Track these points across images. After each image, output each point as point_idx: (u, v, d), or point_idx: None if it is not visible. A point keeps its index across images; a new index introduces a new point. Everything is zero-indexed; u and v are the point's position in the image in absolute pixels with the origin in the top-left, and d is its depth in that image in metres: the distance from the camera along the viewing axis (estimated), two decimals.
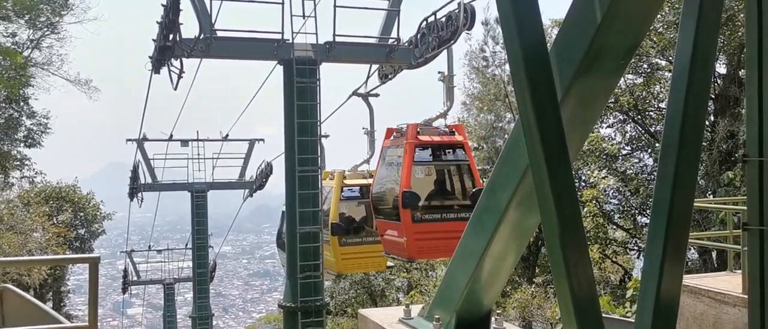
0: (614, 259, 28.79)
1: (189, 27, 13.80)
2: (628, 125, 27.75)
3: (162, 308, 44.98)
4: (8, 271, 24.80)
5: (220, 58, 15.41)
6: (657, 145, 24.30)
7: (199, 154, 32.18)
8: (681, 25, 5.57)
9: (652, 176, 24.81)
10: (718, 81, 23.76)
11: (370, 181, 14.97)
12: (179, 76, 14.46)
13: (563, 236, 5.09)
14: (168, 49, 13.95)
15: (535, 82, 5.08)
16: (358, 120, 17.22)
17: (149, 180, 32.39)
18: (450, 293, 7.84)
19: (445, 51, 14.17)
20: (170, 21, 13.34)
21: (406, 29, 15.44)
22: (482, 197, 7.39)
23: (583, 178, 26.61)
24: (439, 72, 14.18)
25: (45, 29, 31.38)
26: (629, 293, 16.36)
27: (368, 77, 17.17)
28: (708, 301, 10.23)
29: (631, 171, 26.58)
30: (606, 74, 5.88)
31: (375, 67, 17.30)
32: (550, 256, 5.39)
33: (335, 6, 14.34)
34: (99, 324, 4.75)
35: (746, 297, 7.56)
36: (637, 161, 27.42)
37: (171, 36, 13.62)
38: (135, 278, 44.02)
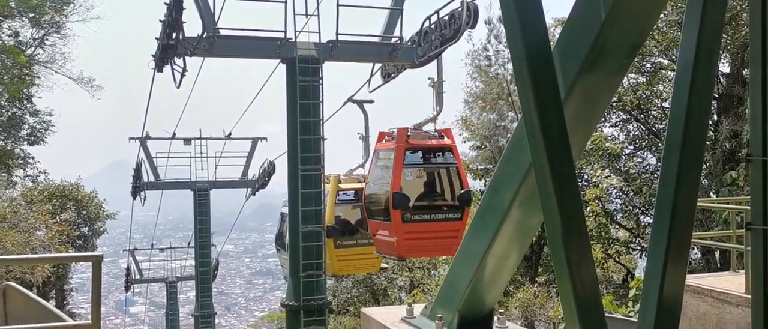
0: (617, 259, 28.77)
1: (192, 25, 13.81)
2: (631, 124, 27.71)
3: (165, 306, 45.05)
4: (11, 269, 24.85)
5: (223, 57, 15.41)
6: (660, 144, 24.27)
7: (201, 152, 32.19)
8: (684, 24, 5.56)
9: (655, 176, 24.78)
10: (722, 80, 23.72)
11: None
12: (182, 75, 14.46)
13: (566, 236, 5.08)
14: (171, 47, 13.95)
15: (538, 80, 5.07)
16: (354, 125, 17.36)
17: (152, 179, 32.39)
18: (452, 292, 7.84)
19: (436, 63, 14.63)
20: (173, 19, 13.34)
21: (409, 28, 15.44)
22: (485, 195, 7.39)
23: (586, 177, 26.58)
24: (429, 78, 14.61)
25: (49, 28, 31.42)
26: (632, 293, 16.35)
27: (371, 76, 17.16)
28: (711, 301, 10.22)
29: (634, 170, 26.54)
30: (609, 73, 5.87)
31: (378, 66, 17.28)
32: (553, 255, 5.39)
33: (338, 5, 14.34)
34: (102, 322, 4.75)
35: (749, 296, 7.56)
36: (640, 160, 27.38)
37: (174, 34, 13.62)
38: (138, 276, 44.07)
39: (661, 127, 25.84)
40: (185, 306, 65.45)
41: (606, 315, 5.55)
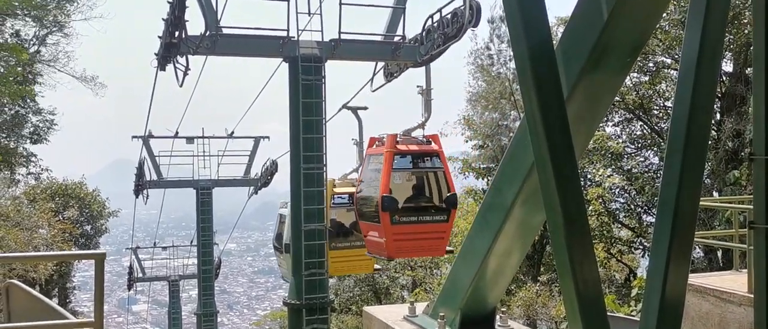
0: (619, 258, 28.76)
1: (195, 24, 13.82)
2: (634, 124, 27.70)
3: (167, 305, 45.10)
4: (14, 267, 24.87)
5: (226, 56, 15.40)
6: (663, 143, 24.25)
7: (204, 151, 32.22)
8: (687, 23, 5.55)
9: (658, 175, 24.77)
10: (725, 79, 23.69)
11: None
12: (185, 73, 14.45)
13: (568, 235, 5.08)
14: (174, 46, 13.96)
15: (541, 79, 5.07)
16: (349, 131, 17.52)
17: (155, 177, 32.41)
18: (455, 290, 7.84)
19: (424, 67, 15.03)
20: (176, 18, 13.34)
21: (412, 27, 15.44)
22: (487, 194, 7.39)
23: (589, 176, 26.57)
24: (417, 86, 14.96)
25: (52, 27, 31.45)
26: (634, 292, 16.34)
27: (374, 75, 17.16)
28: (713, 300, 10.21)
29: (636, 170, 26.54)
30: (612, 72, 5.86)
31: (380, 65, 17.27)
32: (556, 254, 5.39)
33: (341, 3, 14.33)
34: (104, 320, 4.76)
35: (752, 296, 7.54)
36: (642, 159, 27.38)
37: (177, 33, 13.63)
38: (140, 275, 44.14)
39: (663, 126, 25.82)
40: (187, 304, 65.45)
41: (608, 314, 5.55)
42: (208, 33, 13.91)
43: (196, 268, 35.51)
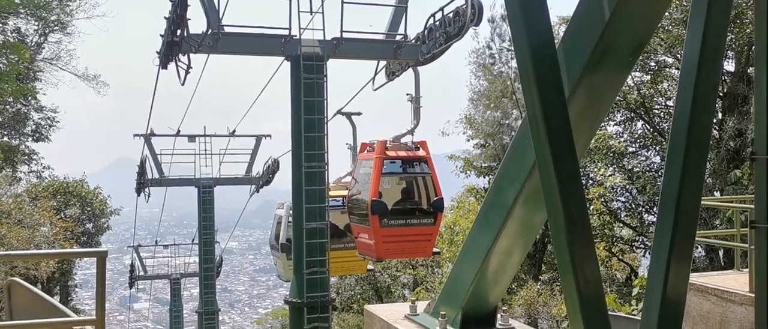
0: (621, 257, 28.75)
1: (196, 22, 13.83)
2: (636, 123, 27.67)
3: (168, 303, 45.12)
4: (16, 265, 24.87)
5: (228, 54, 15.40)
6: (664, 143, 24.23)
7: (206, 149, 32.26)
8: (689, 22, 5.55)
9: (659, 174, 24.76)
10: (726, 79, 23.66)
11: None
12: (186, 72, 14.46)
13: (570, 234, 5.08)
14: (175, 44, 13.96)
15: (542, 79, 5.07)
16: (343, 136, 17.80)
17: (156, 175, 32.44)
18: (456, 289, 7.84)
19: (413, 76, 15.56)
20: (178, 16, 13.34)
21: (414, 26, 15.44)
22: (489, 193, 7.39)
23: (590, 176, 26.56)
24: (407, 94, 15.53)
25: (54, 26, 31.47)
26: (635, 291, 16.34)
27: (375, 74, 17.17)
28: (714, 300, 10.21)
29: (638, 169, 26.51)
30: (614, 71, 5.86)
31: (382, 63, 17.27)
32: (557, 253, 5.39)
33: (343, 2, 14.33)
34: (106, 318, 4.76)
35: (753, 295, 7.54)
36: (644, 158, 27.36)
37: (178, 31, 13.63)
38: (142, 273, 44.17)
39: (665, 125, 25.80)
40: (189, 302, 65.46)
41: (609, 313, 5.55)
42: (209, 31, 13.91)
43: (198, 266, 35.54)
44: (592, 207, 24.92)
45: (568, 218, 5.06)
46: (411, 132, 15.30)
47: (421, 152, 14.96)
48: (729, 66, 23.92)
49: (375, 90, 17.27)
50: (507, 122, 31.53)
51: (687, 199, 5.42)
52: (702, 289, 10.43)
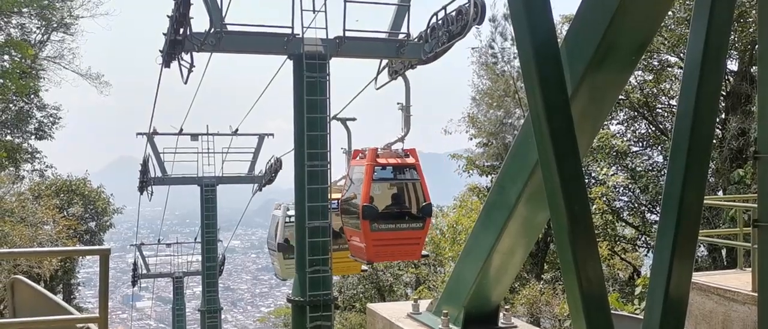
0: (623, 256, 28.72)
1: (199, 21, 13.85)
2: (638, 122, 27.64)
3: (171, 301, 45.17)
4: (19, 263, 24.95)
5: (230, 53, 15.43)
6: (667, 142, 24.20)
7: (208, 148, 32.26)
8: (692, 21, 5.54)
9: (662, 173, 24.72)
10: (730, 78, 23.62)
11: None
12: (189, 71, 14.48)
13: (572, 233, 5.08)
14: (178, 43, 13.98)
15: (545, 78, 5.07)
16: (338, 140, 17.99)
17: (159, 174, 32.47)
18: (458, 288, 7.83)
19: (403, 85, 16.08)
20: (181, 15, 13.36)
21: (416, 24, 15.44)
22: (491, 192, 7.39)
23: (593, 175, 26.53)
24: (397, 103, 16.05)
25: (58, 25, 31.51)
26: (638, 290, 16.33)
27: (378, 73, 17.18)
28: (717, 299, 10.19)
29: (640, 168, 26.49)
30: (617, 70, 5.85)
31: (385, 62, 17.28)
32: (559, 253, 5.39)
33: (345, 1, 14.34)
34: (109, 316, 4.77)
35: (756, 294, 7.53)
36: (646, 158, 27.33)
37: (181, 30, 13.65)
38: (144, 271, 44.21)
39: (668, 125, 25.78)
40: (192, 301, 65.47)
41: (612, 312, 5.55)
42: (212, 30, 13.94)
43: (200, 265, 35.58)
44: (594, 206, 24.89)
45: (571, 218, 5.06)
46: (401, 140, 15.81)
47: (411, 160, 15.56)
48: (732, 65, 23.88)
49: (378, 89, 17.29)
50: (509, 120, 31.50)
51: (690, 198, 5.42)
52: (705, 288, 10.42)
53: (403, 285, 36.74)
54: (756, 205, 5.70)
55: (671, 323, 5.47)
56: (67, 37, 32.45)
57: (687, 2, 21.98)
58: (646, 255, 28.12)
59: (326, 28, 14.80)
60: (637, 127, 27.86)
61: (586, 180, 25.79)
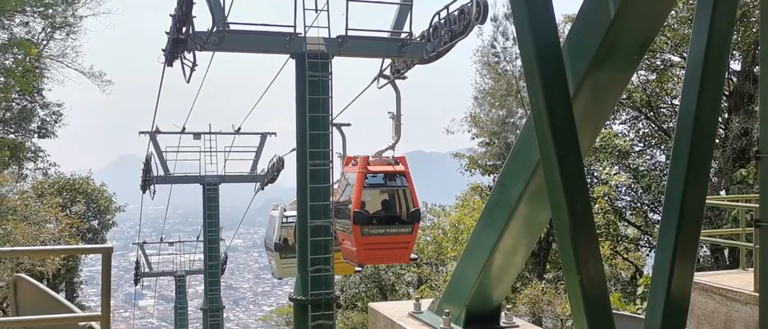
0: (625, 256, 28.70)
1: (202, 20, 13.85)
2: (641, 122, 27.61)
3: (173, 300, 45.19)
4: (22, 261, 25.00)
5: (233, 52, 15.45)
6: (670, 142, 24.17)
7: (211, 147, 32.25)
8: (695, 20, 5.54)
9: (665, 173, 24.69)
10: (733, 78, 23.59)
11: None
12: (192, 69, 14.50)
13: (574, 233, 5.07)
14: (181, 41, 14.00)
15: (547, 77, 5.06)
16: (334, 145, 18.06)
17: (161, 173, 32.49)
18: (460, 287, 7.83)
19: (394, 94, 16.51)
20: (183, 14, 13.38)
21: (419, 24, 15.45)
22: (493, 191, 7.39)
23: (595, 174, 26.51)
24: (388, 112, 16.45)
25: (61, 25, 31.54)
26: (640, 290, 16.32)
27: (380, 72, 17.20)
28: (719, 299, 10.19)
29: (643, 168, 26.47)
30: (619, 69, 5.84)
31: (387, 61, 17.29)
32: (561, 252, 5.38)
33: (348, 0, 14.34)
34: (111, 314, 4.78)
35: (758, 294, 7.52)
36: (649, 157, 27.31)
37: (184, 29, 13.67)
38: (147, 270, 44.20)
39: (671, 124, 25.75)
40: (194, 299, 65.59)
41: (613, 312, 5.54)
42: (215, 29, 13.95)
43: (203, 264, 35.60)
44: (597, 206, 24.87)
45: (573, 217, 5.05)
46: (392, 148, 16.35)
47: (400, 167, 16.20)
48: (735, 65, 23.85)
49: (380, 88, 17.31)
50: (512, 120, 31.48)
51: (691, 198, 5.41)
52: (707, 288, 10.41)
53: (405, 285, 36.74)
54: (758, 205, 5.69)
55: (673, 323, 5.47)
56: (70, 36, 32.48)
57: (690, 2, 21.96)
58: (648, 255, 28.09)
59: (328, 27, 14.82)
60: (640, 127, 27.84)
61: (589, 180, 25.79)
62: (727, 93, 23.25)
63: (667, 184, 5.61)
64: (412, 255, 17.09)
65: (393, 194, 16.39)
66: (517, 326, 7.90)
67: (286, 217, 21.50)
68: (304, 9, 14.35)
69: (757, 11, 20.15)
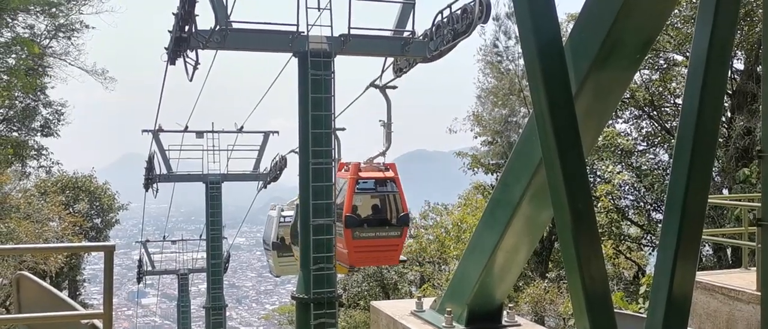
0: (628, 255, 28.68)
1: (205, 18, 13.85)
2: (644, 121, 27.58)
3: (176, 298, 45.26)
4: (25, 259, 25.06)
5: (236, 50, 15.43)
6: (673, 141, 24.12)
7: (213, 145, 32.30)
8: (697, 19, 5.52)
9: (668, 172, 24.66)
10: (736, 77, 23.55)
11: None
12: (195, 68, 14.50)
13: (576, 232, 5.07)
14: (184, 40, 14.00)
15: (549, 76, 5.05)
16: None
17: (164, 171, 32.52)
18: (462, 286, 7.83)
19: (386, 103, 16.94)
20: (186, 12, 13.38)
21: (421, 22, 15.43)
22: (495, 190, 7.38)
23: (598, 173, 26.50)
24: (379, 120, 17.02)
25: (64, 23, 31.58)
26: (642, 289, 16.28)
27: (383, 71, 17.20)
28: (721, 298, 10.18)
29: (646, 167, 26.44)
30: (621, 68, 5.82)
31: (390, 60, 17.28)
32: (563, 251, 5.38)
33: None
34: (114, 312, 4.79)
35: (760, 294, 7.52)
36: (652, 156, 27.28)
37: (187, 27, 13.67)
38: (149, 268, 44.30)
39: (674, 123, 25.70)
40: (197, 298, 65.73)
41: (615, 311, 5.54)
42: (218, 27, 13.94)
43: (205, 262, 35.65)
44: (599, 205, 24.86)
45: (575, 216, 5.05)
46: (382, 154, 16.98)
47: (390, 173, 16.84)
48: (738, 64, 23.82)
49: (382, 87, 17.30)
50: (514, 119, 31.49)
51: (694, 197, 5.40)
52: (709, 287, 10.40)
53: (408, 283, 36.75)
54: (761, 204, 5.69)
55: (675, 322, 5.47)
56: (74, 34, 32.50)
57: (693, 0, 21.92)
58: (650, 254, 28.07)
59: (331, 26, 14.81)
60: (643, 126, 27.81)
61: (591, 179, 25.78)
62: (730, 92, 23.22)
63: (669, 183, 5.60)
64: (401, 257, 17.72)
65: (383, 199, 17.08)
66: (520, 325, 7.90)
67: (284, 217, 22.11)
68: (306, 7, 14.36)
69: (761, 10, 20.11)
